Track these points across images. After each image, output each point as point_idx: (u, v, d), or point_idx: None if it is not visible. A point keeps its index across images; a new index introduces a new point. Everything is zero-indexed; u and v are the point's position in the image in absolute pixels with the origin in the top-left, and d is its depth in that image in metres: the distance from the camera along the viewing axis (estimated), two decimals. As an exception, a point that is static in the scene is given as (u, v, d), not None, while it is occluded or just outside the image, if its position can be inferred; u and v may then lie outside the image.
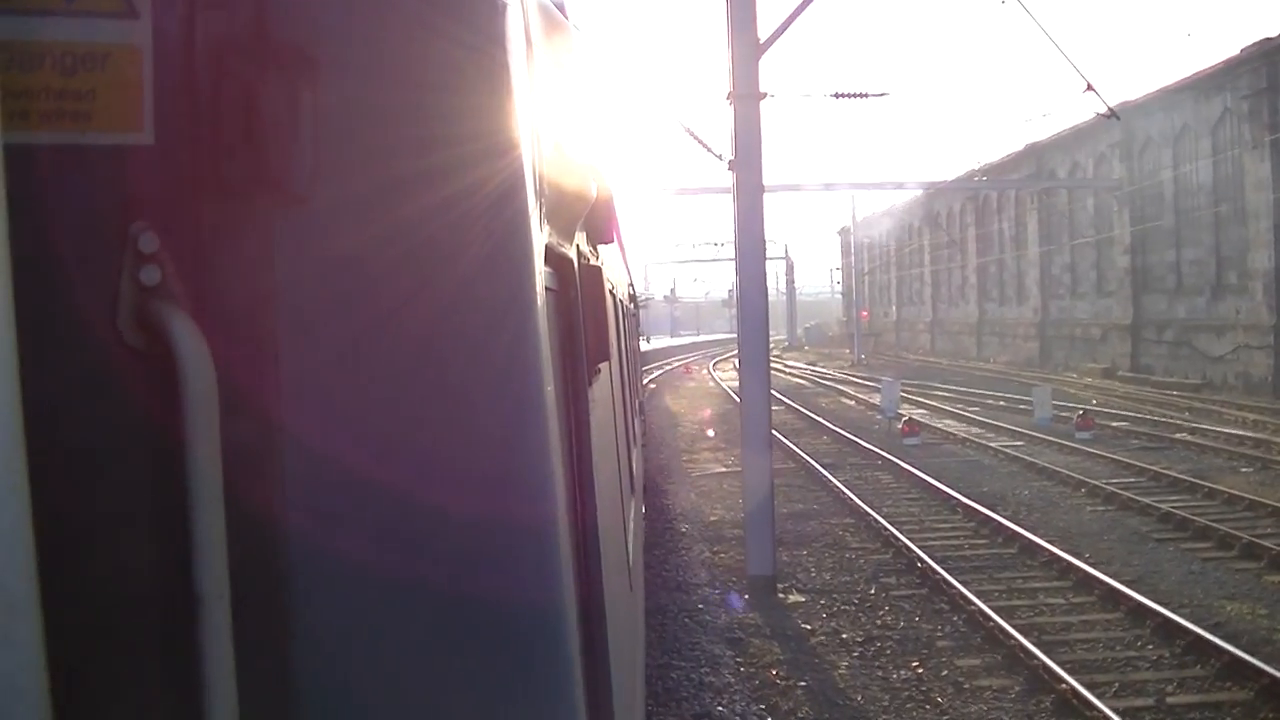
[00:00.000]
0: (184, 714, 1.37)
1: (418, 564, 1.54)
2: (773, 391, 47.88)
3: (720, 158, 15.38)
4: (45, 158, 1.41)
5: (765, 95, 15.19)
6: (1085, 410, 30.81)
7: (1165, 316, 45.89)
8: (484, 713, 1.58)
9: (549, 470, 1.63)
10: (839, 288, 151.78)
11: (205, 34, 1.47)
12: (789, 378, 60.87)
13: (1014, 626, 12.35)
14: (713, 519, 20.19)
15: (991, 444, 28.37)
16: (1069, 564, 15.11)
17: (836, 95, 18.89)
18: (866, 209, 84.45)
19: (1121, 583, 13.95)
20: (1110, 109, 16.02)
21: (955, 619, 13.29)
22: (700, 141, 15.40)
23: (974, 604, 13.27)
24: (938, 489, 21.53)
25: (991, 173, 61.83)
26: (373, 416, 1.54)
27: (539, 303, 1.69)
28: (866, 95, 18.81)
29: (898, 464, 24.98)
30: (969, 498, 20.27)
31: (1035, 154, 59.14)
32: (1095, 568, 14.86)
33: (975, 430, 31.85)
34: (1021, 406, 37.48)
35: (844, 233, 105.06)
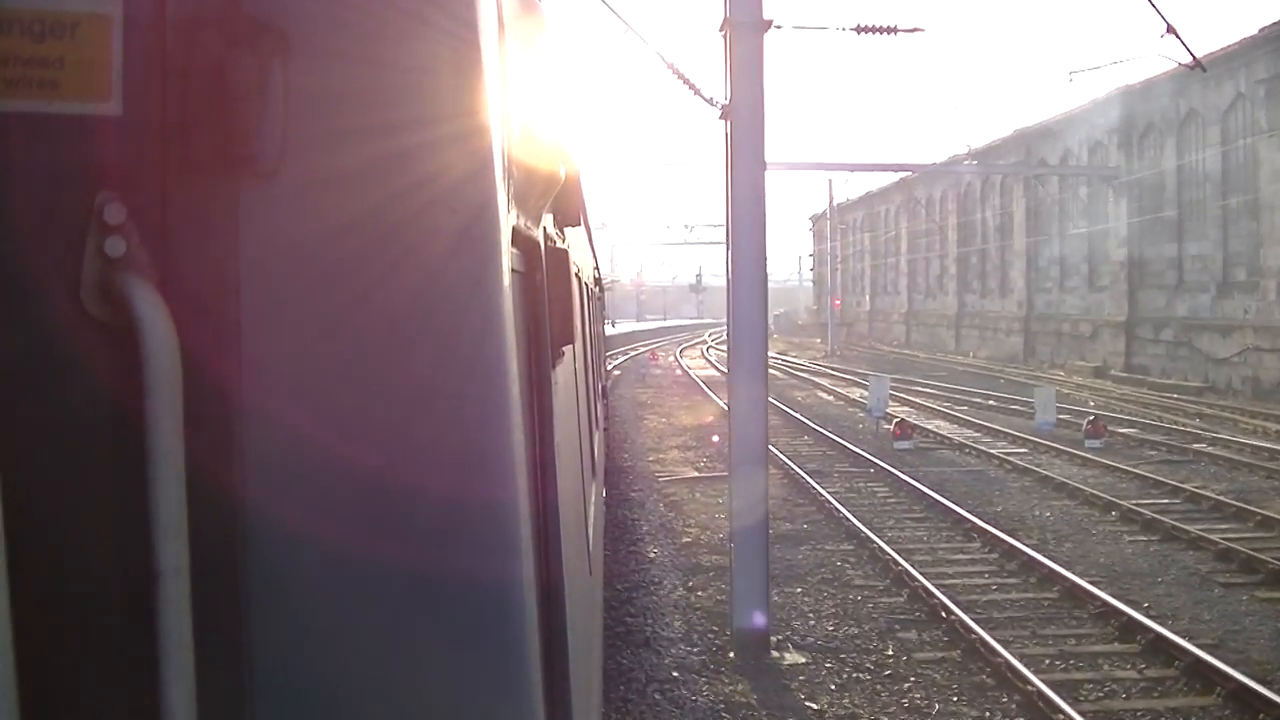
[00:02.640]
0: (142, 690, 1.37)
1: (379, 542, 1.51)
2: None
3: (711, 102, 12.23)
4: (12, 125, 1.41)
5: (770, 25, 12.09)
6: (1096, 416, 27.95)
7: (1164, 314, 43.17)
8: (442, 687, 1.55)
9: (512, 451, 1.61)
10: (806, 275, 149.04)
11: (177, 6, 1.46)
12: (760, 368, 58.01)
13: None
14: (686, 540, 17.11)
15: (992, 450, 25.51)
16: (1129, 618, 12.17)
17: (859, 30, 15.72)
18: (840, 193, 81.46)
19: (1202, 648, 11.03)
20: (1195, 59, 13.01)
21: (1007, 702, 10.26)
22: (687, 82, 12.25)
23: (1029, 681, 10.25)
24: (945, 507, 18.60)
25: (977, 159, 58.93)
26: (337, 394, 1.52)
27: (505, 285, 1.67)
28: (896, 30, 15.64)
29: (893, 473, 22.05)
30: (983, 520, 17.37)
31: (1024, 140, 56.28)
32: (1162, 624, 11.95)
33: (970, 434, 28.98)
34: (1014, 407, 34.77)
35: (818, 218, 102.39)
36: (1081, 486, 20.31)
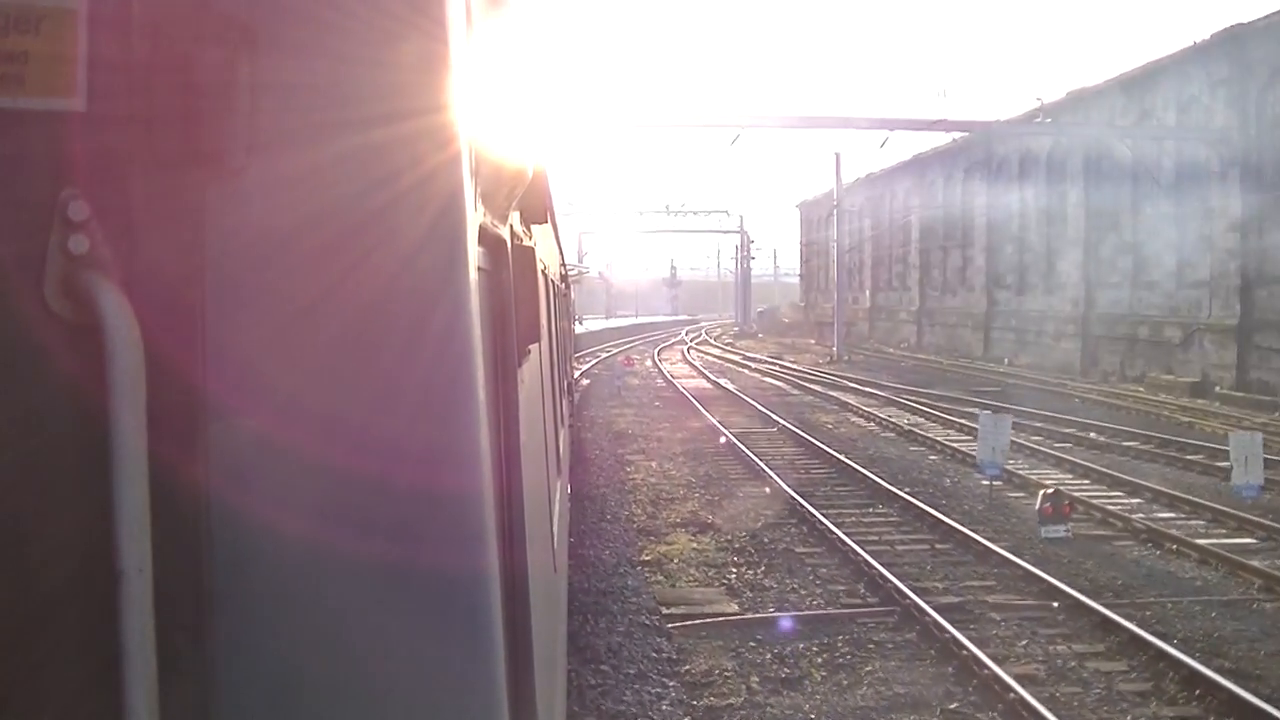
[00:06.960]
0: (105, 691, 1.34)
1: (345, 536, 1.49)
2: (743, 396, 32.79)
3: None
4: None
5: None
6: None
7: (1298, 317, 33.22)
8: (408, 681, 1.51)
9: (477, 447, 1.58)
10: (784, 270, 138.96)
11: (143, 1, 1.43)
12: (756, 375, 47.75)
13: None
14: None
15: (1199, 540, 15.56)
16: None
17: None
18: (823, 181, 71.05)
19: None
20: None
21: None
22: None
23: None
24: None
25: (1048, 117, 48.66)
26: (303, 391, 1.49)
27: (471, 283, 1.65)
28: None
29: (1095, 610, 11.91)
30: None
31: (1081, 102, 46.28)
32: None
33: (1132, 502, 18.88)
34: (1134, 444, 25.13)
35: (809, 205, 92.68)
36: None
